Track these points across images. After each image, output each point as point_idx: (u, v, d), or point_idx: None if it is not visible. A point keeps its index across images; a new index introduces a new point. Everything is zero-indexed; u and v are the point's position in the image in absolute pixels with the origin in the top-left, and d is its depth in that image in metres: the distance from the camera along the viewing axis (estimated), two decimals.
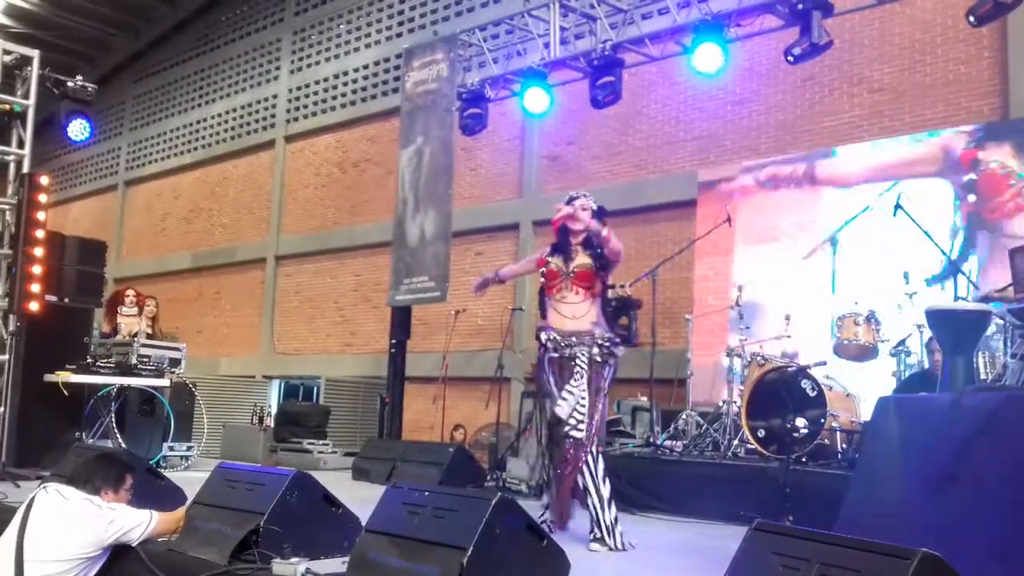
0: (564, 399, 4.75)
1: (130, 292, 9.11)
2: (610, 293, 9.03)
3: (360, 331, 14.06)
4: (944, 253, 6.49)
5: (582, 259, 4.97)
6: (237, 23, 17.42)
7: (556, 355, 4.89)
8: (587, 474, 4.73)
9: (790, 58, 7.49)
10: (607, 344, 4.87)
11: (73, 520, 3.68)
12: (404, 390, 10.39)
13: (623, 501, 6.45)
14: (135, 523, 3.78)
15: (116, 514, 3.76)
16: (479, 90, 9.98)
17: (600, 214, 5.02)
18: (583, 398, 4.75)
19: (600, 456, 4.81)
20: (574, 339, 4.85)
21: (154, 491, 4.37)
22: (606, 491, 4.73)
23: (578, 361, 4.80)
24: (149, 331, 8.81)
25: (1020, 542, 3.31)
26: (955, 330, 4.89)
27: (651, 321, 8.21)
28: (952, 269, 6.35)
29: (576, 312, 4.91)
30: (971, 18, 6.93)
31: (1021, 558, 3.30)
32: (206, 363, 14.94)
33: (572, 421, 4.72)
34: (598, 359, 4.84)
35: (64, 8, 17.35)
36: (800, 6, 7.38)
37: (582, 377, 4.77)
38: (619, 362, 4.97)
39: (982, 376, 5.28)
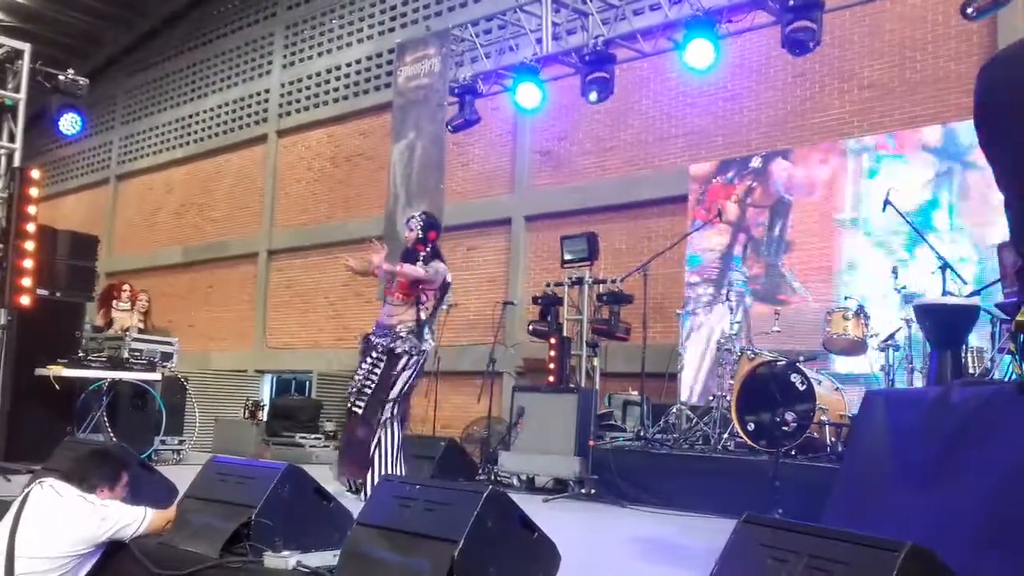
0: (353, 381, 5.84)
1: (126, 287, 9.09)
2: (601, 288, 9.11)
3: (352, 325, 14.05)
4: (932, 248, 6.52)
5: None
6: (229, 17, 17.37)
7: (370, 342, 5.84)
8: (374, 445, 5.65)
9: (810, 44, 7.46)
10: (401, 340, 5.73)
11: (66, 517, 3.67)
12: None
13: (614, 494, 6.52)
14: (128, 520, 3.78)
15: (109, 511, 3.76)
16: (471, 85, 9.99)
17: (427, 228, 5.92)
18: (367, 382, 5.72)
19: (393, 434, 5.70)
20: (383, 332, 5.80)
21: (146, 485, 4.36)
22: (389, 463, 5.65)
23: (376, 352, 5.76)
24: (141, 325, 8.80)
25: (1005, 536, 3.34)
26: (943, 324, 4.93)
27: (642, 316, 8.24)
28: (943, 264, 6.38)
29: (390, 311, 5.82)
30: (969, 10, 6.90)
31: (1006, 552, 3.33)
32: (198, 357, 14.91)
33: (352, 399, 5.79)
34: (396, 351, 5.72)
35: (56, 1, 17.25)
36: (791, 2, 7.40)
37: (373, 364, 5.74)
38: (420, 358, 5.79)
39: (970, 370, 5.33)
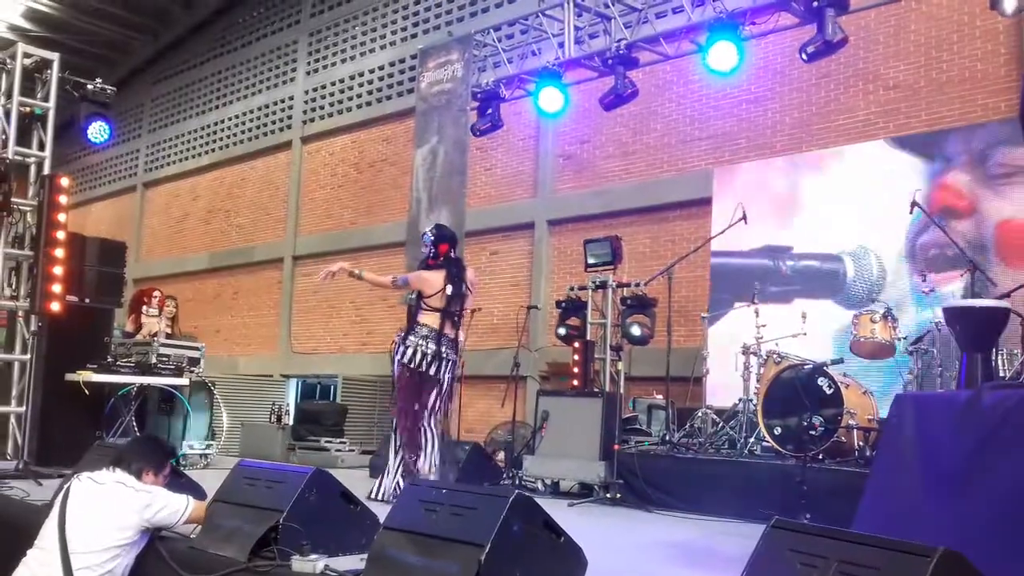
0: None
1: (156, 293, 9.18)
2: (626, 291, 9.08)
3: (376, 330, 14.12)
4: (961, 251, 6.45)
5: None
6: (253, 25, 17.53)
7: None
8: None
9: (804, 55, 7.46)
10: None
11: (110, 504, 3.71)
12: None
13: (639, 499, 6.49)
14: (174, 507, 3.83)
15: (153, 496, 3.80)
16: (494, 90, 10.01)
17: (438, 242, 6.23)
18: None
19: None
20: None
21: (175, 489, 4.39)
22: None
23: None
24: (168, 331, 8.88)
25: None
26: (973, 327, 4.87)
27: (667, 319, 8.21)
28: (969, 263, 6.31)
29: None
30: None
31: None
32: (224, 362, 15.04)
33: None
34: None
35: (84, 12, 17.50)
36: (815, 3, 7.36)
37: None
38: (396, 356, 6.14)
39: (1001, 373, 5.27)
